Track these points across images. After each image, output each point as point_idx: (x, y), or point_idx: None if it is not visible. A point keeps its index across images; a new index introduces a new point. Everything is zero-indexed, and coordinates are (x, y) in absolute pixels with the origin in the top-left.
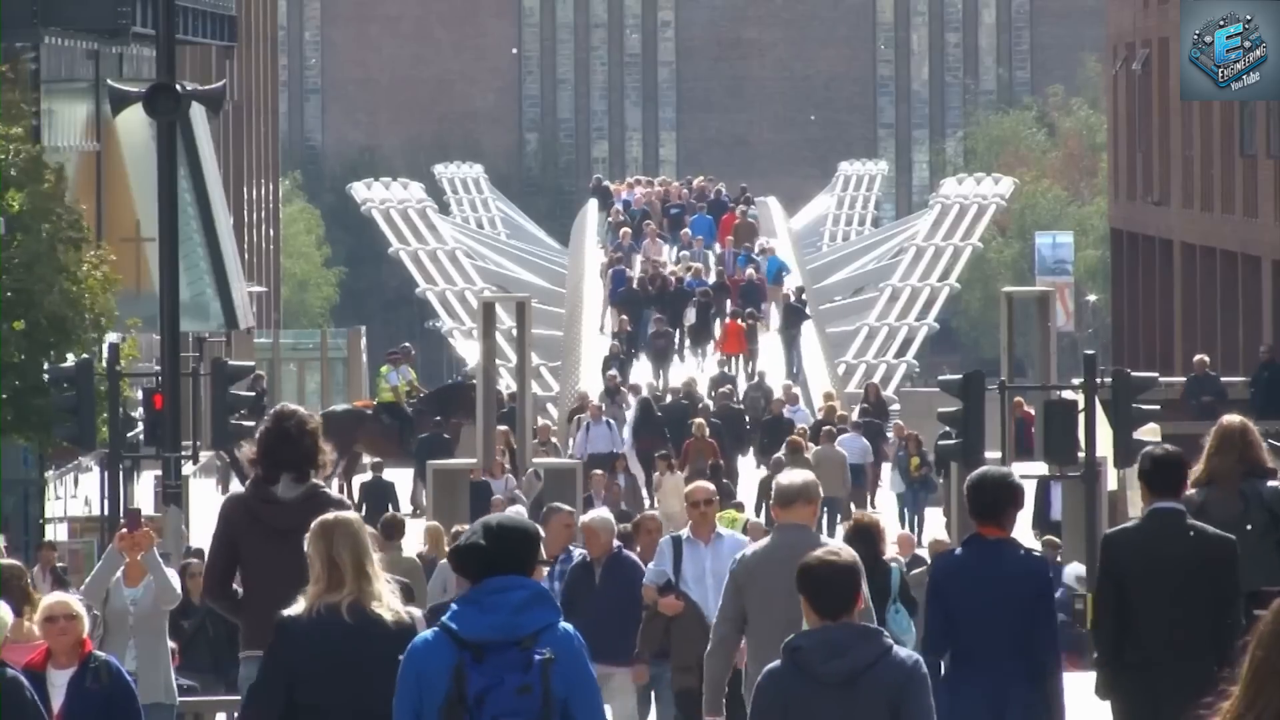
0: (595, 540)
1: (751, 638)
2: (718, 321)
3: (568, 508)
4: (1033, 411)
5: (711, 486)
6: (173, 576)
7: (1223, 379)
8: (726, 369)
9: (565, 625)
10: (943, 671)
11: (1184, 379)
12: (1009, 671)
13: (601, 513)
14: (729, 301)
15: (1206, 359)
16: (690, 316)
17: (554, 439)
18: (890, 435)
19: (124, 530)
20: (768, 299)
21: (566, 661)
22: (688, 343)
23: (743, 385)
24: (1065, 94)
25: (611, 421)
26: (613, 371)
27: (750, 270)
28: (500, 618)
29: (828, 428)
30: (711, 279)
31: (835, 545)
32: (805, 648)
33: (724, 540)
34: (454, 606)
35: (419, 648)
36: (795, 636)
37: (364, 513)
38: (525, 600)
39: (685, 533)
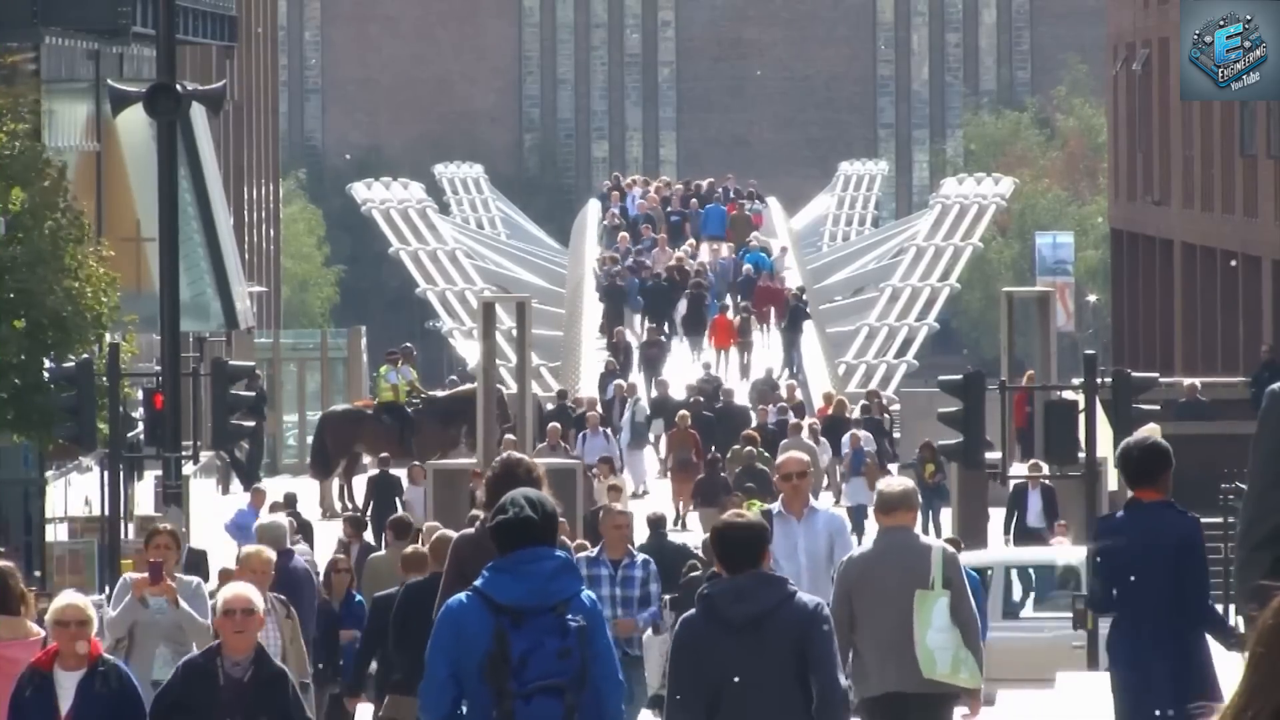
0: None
1: (863, 633)
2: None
3: (619, 506)
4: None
5: (806, 458)
6: (198, 614)
7: (1223, 379)
8: (711, 369)
9: (588, 593)
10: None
11: (1183, 379)
12: (1167, 627)
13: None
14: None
15: (1199, 384)
16: (682, 309)
17: (564, 442)
18: (846, 446)
19: (144, 577)
20: (778, 297)
21: (593, 629)
22: (681, 335)
23: (737, 379)
24: (1066, 94)
25: (608, 432)
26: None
27: (749, 266)
28: (535, 584)
29: (794, 422)
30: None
31: (742, 511)
32: (714, 595)
33: (818, 514)
34: (485, 574)
35: (455, 609)
36: (707, 585)
37: (371, 507)
38: (556, 569)
39: (776, 507)
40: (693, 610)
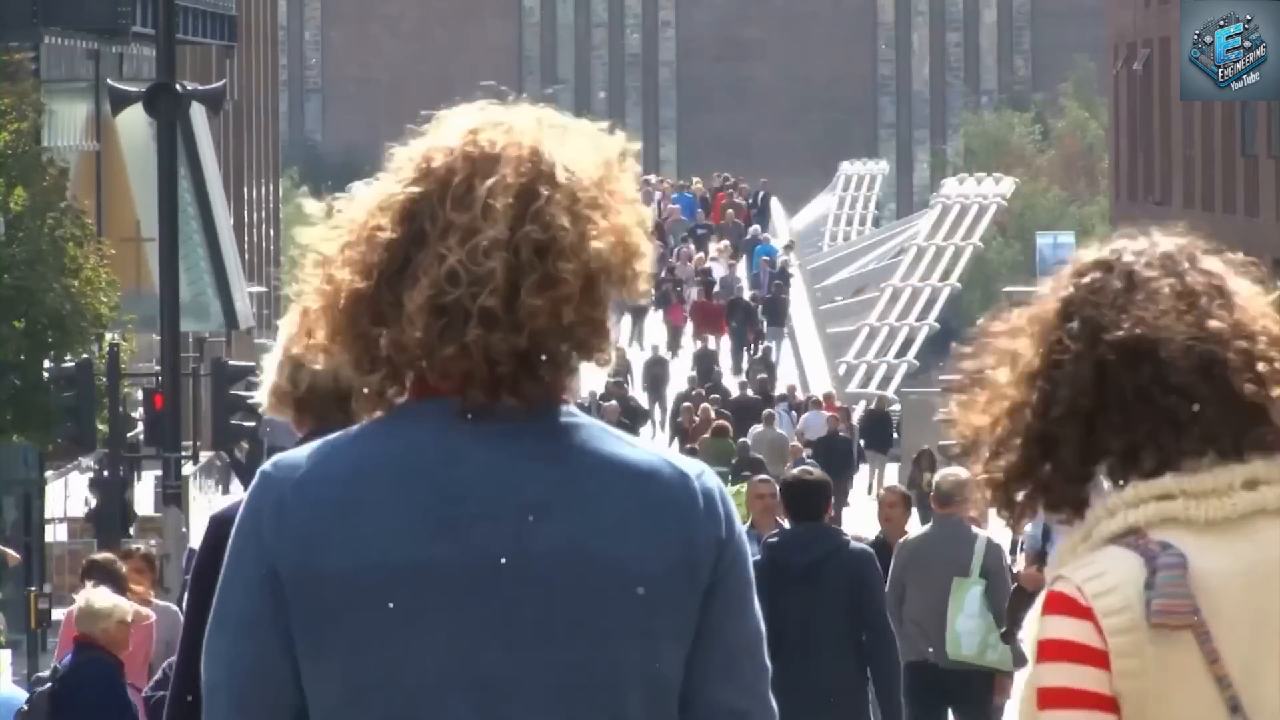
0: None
1: (908, 608)
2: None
3: (763, 475)
4: None
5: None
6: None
7: None
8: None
9: None
10: None
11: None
12: None
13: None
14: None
15: None
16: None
17: None
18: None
19: None
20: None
21: None
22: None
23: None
24: (1073, 93)
25: None
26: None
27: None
28: None
29: (767, 410)
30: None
31: (809, 466)
32: (776, 544)
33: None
34: None
35: None
36: (771, 534)
37: None
38: None
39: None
40: (757, 557)
